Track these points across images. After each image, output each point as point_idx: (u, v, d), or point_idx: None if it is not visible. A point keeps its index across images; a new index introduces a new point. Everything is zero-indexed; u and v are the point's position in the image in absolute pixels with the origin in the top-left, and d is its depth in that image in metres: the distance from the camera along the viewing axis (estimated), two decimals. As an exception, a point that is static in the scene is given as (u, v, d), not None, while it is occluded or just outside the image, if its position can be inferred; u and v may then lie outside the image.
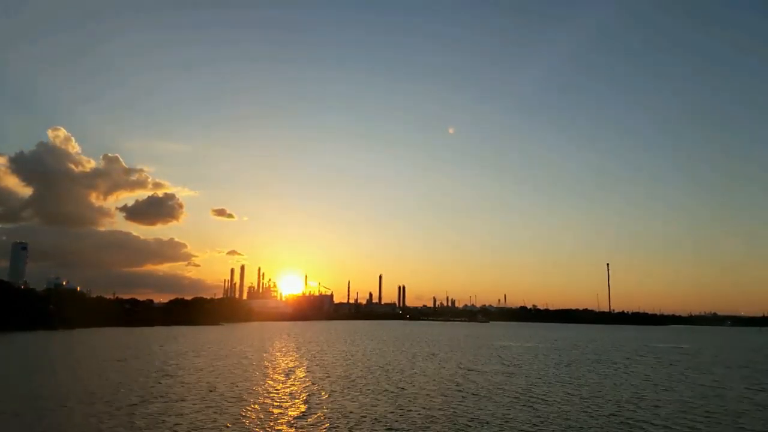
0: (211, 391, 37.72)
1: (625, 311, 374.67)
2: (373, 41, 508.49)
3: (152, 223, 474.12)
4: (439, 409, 31.98)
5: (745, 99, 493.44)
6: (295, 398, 35.63)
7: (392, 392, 38.60)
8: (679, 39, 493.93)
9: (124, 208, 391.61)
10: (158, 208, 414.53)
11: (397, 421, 28.53)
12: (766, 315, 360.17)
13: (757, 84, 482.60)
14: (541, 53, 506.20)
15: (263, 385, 41.69)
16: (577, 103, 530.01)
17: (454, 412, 31.34)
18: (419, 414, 30.62)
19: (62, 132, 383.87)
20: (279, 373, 49.29)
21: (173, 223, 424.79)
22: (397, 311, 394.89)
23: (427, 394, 37.67)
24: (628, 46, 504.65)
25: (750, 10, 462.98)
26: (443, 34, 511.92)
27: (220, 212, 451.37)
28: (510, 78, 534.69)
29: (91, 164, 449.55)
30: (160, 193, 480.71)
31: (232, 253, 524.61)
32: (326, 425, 27.51)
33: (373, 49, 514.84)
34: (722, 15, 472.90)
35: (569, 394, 39.13)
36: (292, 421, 28.37)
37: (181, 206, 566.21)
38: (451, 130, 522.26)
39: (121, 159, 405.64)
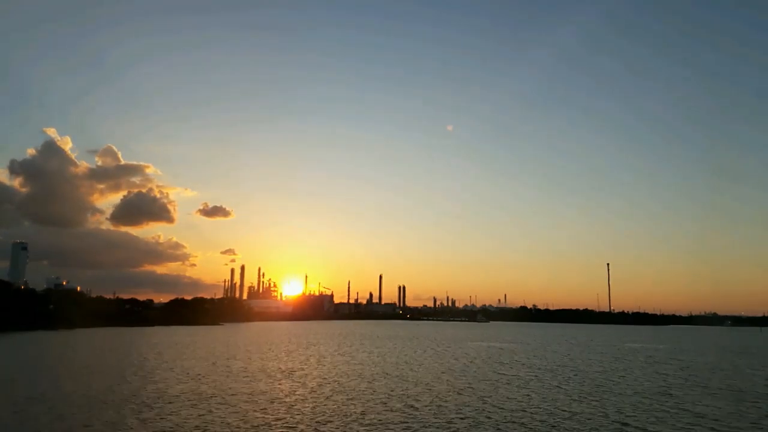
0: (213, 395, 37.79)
1: (626, 311, 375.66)
2: (370, 43, 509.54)
3: (150, 223, 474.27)
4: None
5: (743, 98, 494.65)
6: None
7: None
8: (674, 38, 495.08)
9: (122, 208, 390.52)
10: (156, 208, 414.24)
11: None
12: (766, 315, 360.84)
13: (756, 82, 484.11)
14: (537, 52, 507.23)
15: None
16: (576, 103, 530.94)
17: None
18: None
19: (60, 132, 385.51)
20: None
21: (171, 223, 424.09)
22: (397, 311, 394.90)
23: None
24: (624, 45, 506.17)
25: (747, 10, 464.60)
26: (442, 32, 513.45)
27: (219, 212, 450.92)
28: (510, 77, 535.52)
29: (89, 164, 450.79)
30: (158, 192, 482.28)
31: (229, 252, 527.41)
32: None
33: (371, 51, 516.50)
34: (721, 14, 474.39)
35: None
36: None
37: (179, 206, 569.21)
38: (449, 128, 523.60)
39: (119, 159, 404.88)
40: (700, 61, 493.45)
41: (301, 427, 26.78)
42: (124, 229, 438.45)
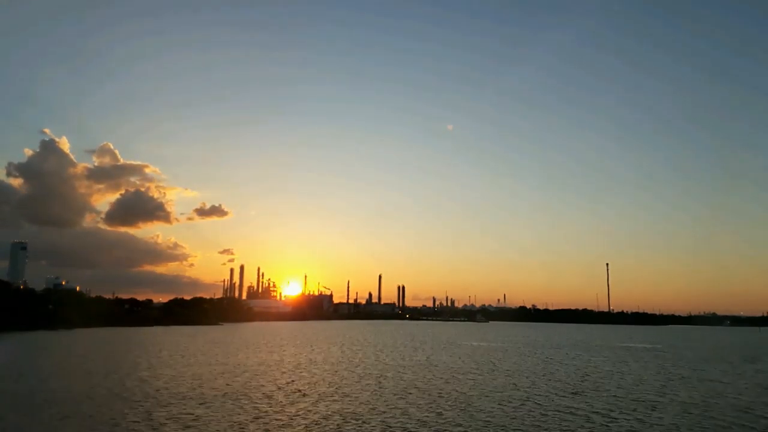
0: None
1: (625, 311, 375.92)
2: (370, 42, 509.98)
3: (149, 223, 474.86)
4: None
5: (743, 97, 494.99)
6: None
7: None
8: (675, 38, 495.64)
9: (119, 208, 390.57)
10: (153, 208, 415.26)
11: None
12: (765, 315, 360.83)
13: (755, 82, 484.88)
14: (538, 50, 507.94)
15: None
16: (576, 102, 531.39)
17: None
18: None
19: (59, 132, 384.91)
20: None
21: (170, 223, 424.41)
22: (397, 311, 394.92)
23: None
24: (624, 43, 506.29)
25: (743, 8, 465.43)
26: (441, 31, 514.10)
27: (218, 212, 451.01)
28: (511, 76, 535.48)
29: (87, 164, 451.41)
30: (157, 192, 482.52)
31: (227, 252, 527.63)
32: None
33: (371, 50, 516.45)
34: (717, 13, 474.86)
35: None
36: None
37: (177, 206, 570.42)
38: (449, 127, 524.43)
39: (117, 159, 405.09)
40: (699, 60, 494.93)
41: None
42: (122, 229, 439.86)
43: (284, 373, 48.64)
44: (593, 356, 76.75)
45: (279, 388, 39.02)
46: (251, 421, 27.80)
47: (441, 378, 46.81)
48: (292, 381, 43.15)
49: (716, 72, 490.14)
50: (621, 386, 43.56)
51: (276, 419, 28.46)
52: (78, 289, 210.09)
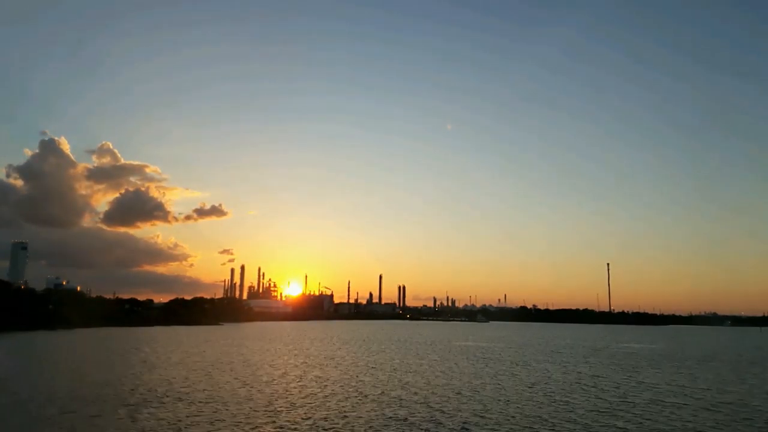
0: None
1: (626, 311, 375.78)
2: (368, 43, 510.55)
3: (148, 223, 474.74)
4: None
5: (744, 97, 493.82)
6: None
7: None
8: (682, 33, 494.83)
9: (118, 208, 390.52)
10: (153, 208, 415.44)
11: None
12: (766, 315, 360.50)
13: (756, 81, 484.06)
14: (540, 48, 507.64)
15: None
16: (575, 102, 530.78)
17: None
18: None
19: (59, 132, 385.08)
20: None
21: (170, 223, 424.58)
22: (397, 311, 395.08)
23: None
24: (629, 39, 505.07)
25: (740, 7, 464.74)
26: (440, 33, 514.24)
27: (218, 212, 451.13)
28: (512, 75, 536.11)
29: (87, 165, 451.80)
30: (157, 192, 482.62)
31: (227, 252, 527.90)
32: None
33: (370, 51, 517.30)
34: (718, 12, 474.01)
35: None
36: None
37: (178, 206, 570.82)
38: (449, 127, 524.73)
39: (118, 159, 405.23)
40: (710, 55, 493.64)
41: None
42: (122, 229, 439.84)
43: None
44: (552, 356, 76.59)
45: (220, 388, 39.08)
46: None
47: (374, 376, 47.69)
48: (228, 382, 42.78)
49: (726, 68, 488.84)
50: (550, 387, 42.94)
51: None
52: (78, 289, 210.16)
